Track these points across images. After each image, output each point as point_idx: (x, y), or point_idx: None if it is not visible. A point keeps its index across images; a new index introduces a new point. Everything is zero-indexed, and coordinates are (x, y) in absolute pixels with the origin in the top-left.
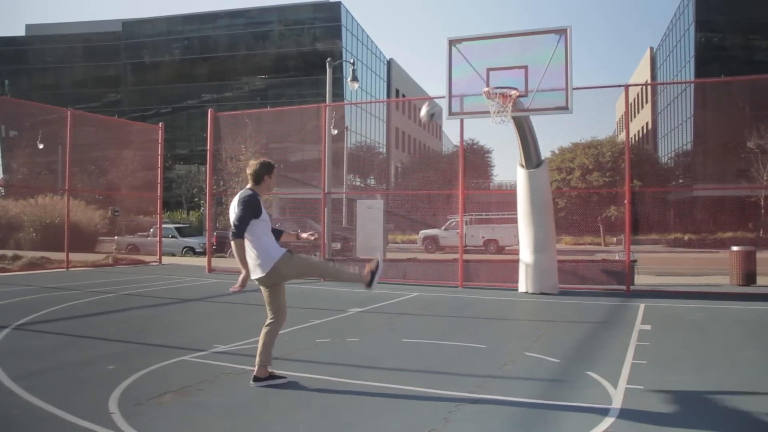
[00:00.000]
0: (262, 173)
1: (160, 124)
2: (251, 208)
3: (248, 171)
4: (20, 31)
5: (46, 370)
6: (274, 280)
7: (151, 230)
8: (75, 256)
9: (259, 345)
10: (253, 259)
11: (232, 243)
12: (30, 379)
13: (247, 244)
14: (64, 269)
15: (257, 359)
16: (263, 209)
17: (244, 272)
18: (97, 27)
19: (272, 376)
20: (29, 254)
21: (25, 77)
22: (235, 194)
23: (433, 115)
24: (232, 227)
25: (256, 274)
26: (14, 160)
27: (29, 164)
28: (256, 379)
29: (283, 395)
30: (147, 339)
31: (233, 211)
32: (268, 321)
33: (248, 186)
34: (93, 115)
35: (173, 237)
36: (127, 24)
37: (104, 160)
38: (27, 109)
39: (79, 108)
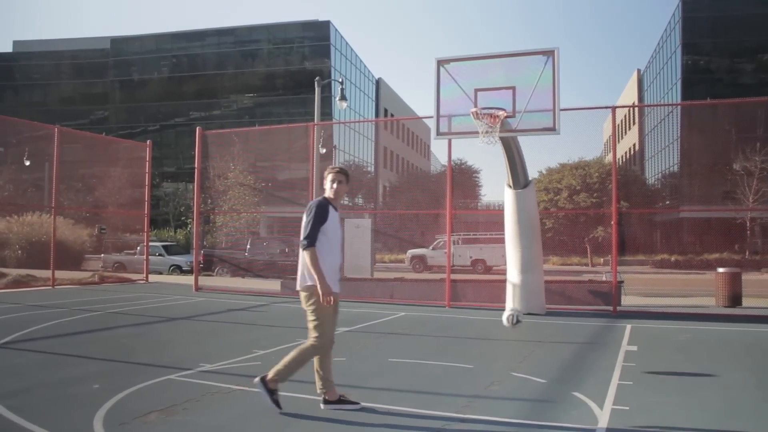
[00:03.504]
0: (331, 179)
1: (148, 141)
2: (321, 215)
3: (329, 171)
4: (8, 48)
5: (30, 389)
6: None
7: (138, 248)
8: (61, 274)
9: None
10: (300, 269)
11: (304, 253)
12: (14, 399)
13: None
14: (50, 287)
15: (318, 385)
16: (333, 222)
17: (320, 284)
18: (86, 44)
19: (342, 400)
20: (14, 272)
21: (12, 94)
22: (223, 213)
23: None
24: (303, 237)
25: (297, 285)
26: (0, 177)
27: (15, 181)
28: (326, 402)
29: (269, 415)
30: (133, 358)
31: (303, 219)
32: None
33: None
34: (80, 132)
35: (160, 255)
36: (116, 41)
37: (91, 178)
38: (13, 125)
39: (66, 125)
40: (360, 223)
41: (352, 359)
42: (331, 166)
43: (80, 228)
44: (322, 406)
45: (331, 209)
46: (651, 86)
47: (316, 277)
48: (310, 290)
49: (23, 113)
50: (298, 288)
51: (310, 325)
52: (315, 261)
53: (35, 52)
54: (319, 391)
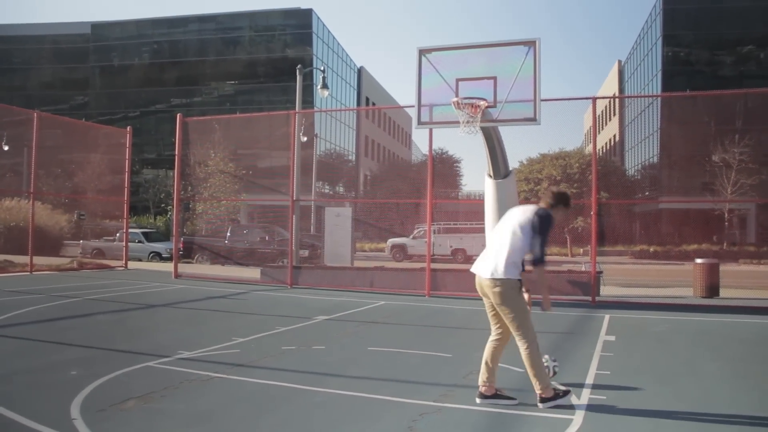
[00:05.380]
0: (560, 201)
1: (128, 128)
2: (549, 230)
3: (552, 189)
4: None
5: (7, 375)
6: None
7: (117, 235)
8: (39, 260)
9: (484, 362)
10: (491, 257)
11: (535, 269)
12: None
13: (498, 240)
14: (28, 273)
15: (482, 377)
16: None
17: (545, 295)
18: (66, 29)
19: (498, 395)
20: None
21: None
22: (203, 200)
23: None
24: (537, 254)
25: (485, 273)
26: None
27: None
28: (482, 396)
29: (248, 403)
30: (111, 344)
31: (523, 222)
32: (493, 337)
33: (542, 205)
34: (60, 117)
35: (140, 242)
36: (96, 26)
37: (71, 164)
38: None
39: (46, 110)
40: (340, 211)
41: (331, 347)
42: (556, 190)
43: (59, 214)
44: (477, 400)
45: None
46: (632, 77)
47: (544, 290)
48: (507, 285)
49: (2, 98)
50: (488, 276)
51: (509, 321)
52: (544, 275)
53: (14, 36)
54: (481, 383)
